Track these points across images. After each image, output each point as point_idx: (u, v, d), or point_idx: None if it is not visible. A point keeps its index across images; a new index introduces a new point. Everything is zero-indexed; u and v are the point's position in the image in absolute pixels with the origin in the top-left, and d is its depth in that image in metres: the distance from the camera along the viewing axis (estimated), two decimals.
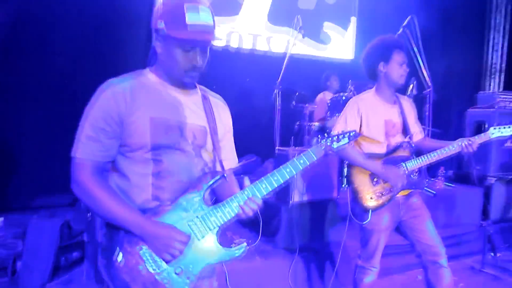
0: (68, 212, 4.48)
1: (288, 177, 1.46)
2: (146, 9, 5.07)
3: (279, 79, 4.22)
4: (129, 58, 4.75)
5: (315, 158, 1.51)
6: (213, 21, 1.40)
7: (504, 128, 2.40)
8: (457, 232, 4.07)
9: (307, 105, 4.65)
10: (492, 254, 3.90)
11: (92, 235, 2.93)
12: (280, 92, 4.19)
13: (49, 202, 4.63)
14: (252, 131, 4.70)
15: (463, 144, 2.37)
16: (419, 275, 3.58)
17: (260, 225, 1.82)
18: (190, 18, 1.33)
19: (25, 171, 4.60)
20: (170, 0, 1.38)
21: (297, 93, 4.59)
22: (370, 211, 2.41)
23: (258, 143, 4.63)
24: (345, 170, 2.99)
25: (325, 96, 5.29)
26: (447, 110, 6.81)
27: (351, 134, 1.58)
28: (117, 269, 1.32)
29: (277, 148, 3.63)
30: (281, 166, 1.48)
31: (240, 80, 5.22)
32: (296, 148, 3.59)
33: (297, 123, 4.97)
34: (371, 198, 2.41)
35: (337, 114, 4.47)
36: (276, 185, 1.45)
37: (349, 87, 4.64)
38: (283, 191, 3.32)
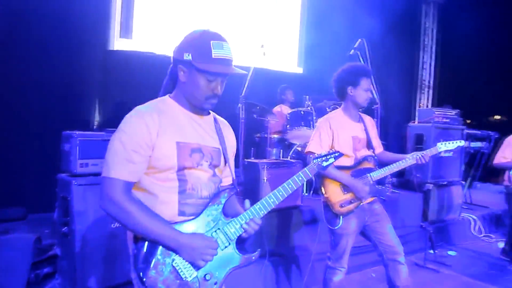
0: (20, 226, 4.30)
1: (290, 191, 1.74)
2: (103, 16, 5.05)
3: (243, 93, 4.43)
4: (85, 62, 4.71)
5: (310, 175, 1.82)
6: (232, 55, 1.60)
7: (449, 143, 2.87)
8: (401, 233, 4.53)
9: (268, 118, 4.90)
10: (432, 251, 4.44)
11: (68, 248, 2.90)
12: (243, 106, 4.40)
13: None
14: None
15: (417, 157, 2.78)
16: (372, 273, 4.00)
17: None
18: (216, 53, 1.52)
19: None
20: (197, 35, 1.56)
21: (258, 107, 4.82)
22: (341, 217, 2.72)
23: None
24: (318, 180, 3.26)
25: (282, 109, 5.58)
26: (385, 122, 7.49)
27: (336, 154, 1.92)
28: (152, 280, 1.45)
29: (245, 160, 3.84)
30: (284, 183, 1.74)
31: None
32: (263, 160, 3.81)
33: (257, 135, 5.21)
34: (341, 205, 2.72)
35: (296, 127, 4.80)
36: (285, 195, 1.72)
37: (306, 102, 5.00)
38: (252, 201, 3.54)
